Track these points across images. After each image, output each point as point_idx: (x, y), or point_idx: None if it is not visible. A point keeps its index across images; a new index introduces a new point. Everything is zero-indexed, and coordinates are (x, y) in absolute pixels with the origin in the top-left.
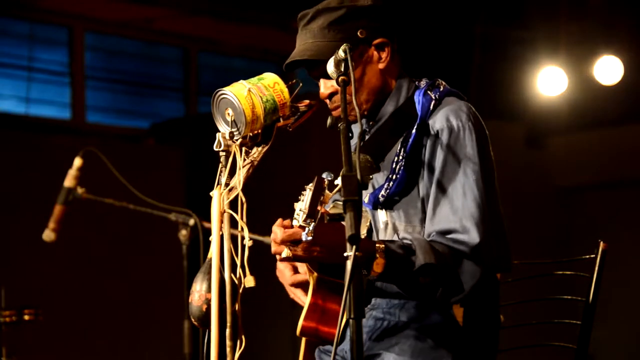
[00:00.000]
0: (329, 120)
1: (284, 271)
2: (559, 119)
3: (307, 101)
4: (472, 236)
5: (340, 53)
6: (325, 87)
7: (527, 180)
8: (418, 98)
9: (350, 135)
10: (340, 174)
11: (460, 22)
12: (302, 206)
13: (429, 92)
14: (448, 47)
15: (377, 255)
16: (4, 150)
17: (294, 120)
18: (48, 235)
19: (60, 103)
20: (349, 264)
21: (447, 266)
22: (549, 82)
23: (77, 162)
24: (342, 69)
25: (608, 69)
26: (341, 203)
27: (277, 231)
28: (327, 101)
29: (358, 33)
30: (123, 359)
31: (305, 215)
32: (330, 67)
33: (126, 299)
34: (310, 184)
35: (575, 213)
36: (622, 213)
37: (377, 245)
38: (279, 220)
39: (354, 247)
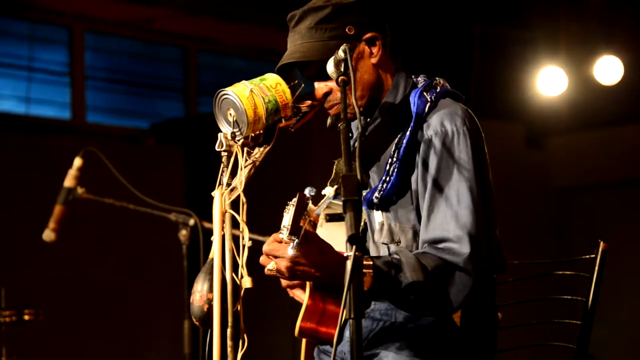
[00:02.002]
0: (329, 120)
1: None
2: (559, 119)
3: (309, 102)
4: (464, 246)
5: (340, 53)
6: (319, 86)
7: (527, 180)
8: (413, 99)
9: (351, 135)
10: (334, 168)
11: (460, 22)
12: (285, 222)
13: (425, 93)
14: (448, 47)
15: (364, 272)
16: (4, 150)
17: (296, 120)
18: (48, 235)
19: (60, 103)
20: (348, 263)
21: (436, 282)
22: (549, 82)
23: (77, 162)
24: (342, 69)
25: (608, 69)
26: (338, 203)
27: (266, 245)
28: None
29: (346, 30)
30: (123, 359)
31: (288, 232)
32: (330, 67)
33: (126, 299)
34: (293, 200)
35: (575, 213)
36: (622, 213)
37: (364, 262)
38: (273, 235)
39: (354, 247)
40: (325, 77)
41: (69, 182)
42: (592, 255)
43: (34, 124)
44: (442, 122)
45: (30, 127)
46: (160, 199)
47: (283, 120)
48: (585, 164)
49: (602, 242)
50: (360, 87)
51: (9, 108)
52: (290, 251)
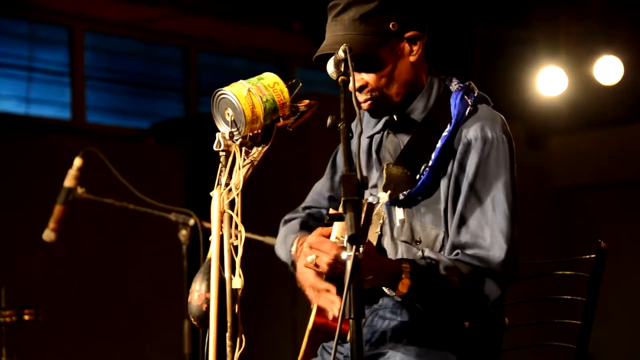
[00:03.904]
0: (329, 120)
1: (307, 273)
2: (559, 119)
3: (306, 101)
4: (498, 254)
5: (340, 53)
6: (355, 79)
7: (527, 180)
8: (455, 102)
9: (350, 135)
10: (384, 172)
11: (460, 22)
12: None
13: (465, 96)
14: (448, 47)
15: (403, 276)
16: (4, 150)
17: (293, 120)
18: (48, 235)
19: (60, 103)
20: (349, 264)
21: (471, 289)
22: (549, 82)
23: (77, 162)
24: (342, 69)
25: (608, 69)
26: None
27: (311, 237)
28: (357, 93)
29: (390, 26)
30: (123, 359)
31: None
32: (330, 67)
33: (126, 299)
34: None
35: (575, 213)
36: (622, 213)
37: (403, 265)
38: (319, 229)
39: (354, 247)
40: (362, 70)
41: (69, 182)
42: (592, 255)
43: (34, 124)
44: (483, 128)
45: (30, 127)
46: (160, 199)
47: (281, 120)
48: (585, 164)
49: (602, 242)
50: (396, 85)
51: (9, 108)
52: (344, 255)
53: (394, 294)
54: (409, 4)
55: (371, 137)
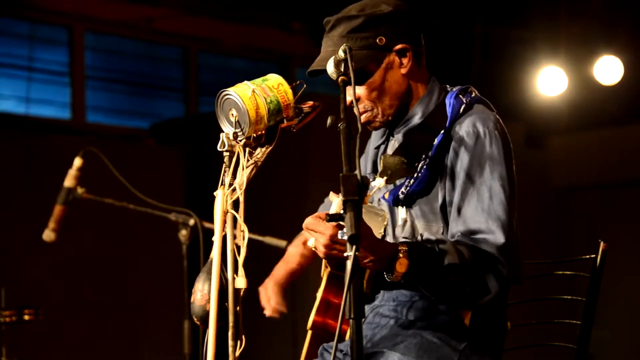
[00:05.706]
0: (328, 120)
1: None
2: (559, 119)
3: (310, 102)
4: (498, 237)
5: (340, 53)
6: (349, 94)
7: (527, 180)
8: (449, 100)
9: (351, 135)
10: (381, 162)
11: (460, 22)
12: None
13: (460, 95)
14: (448, 47)
15: (400, 256)
16: (4, 150)
17: (297, 121)
18: (48, 235)
19: (60, 103)
20: (348, 264)
21: (472, 266)
22: (549, 82)
23: (77, 162)
24: (342, 69)
25: (608, 69)
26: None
27: (308, 219)
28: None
29: (377, 40)
30: (123, 359)
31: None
32: (330, 67)
33: (126, 299)
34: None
35: (575, 213)
36: (622, 213)
37: (399, 246)
38: (316, 214)
39: (354, 247)
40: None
41: (69, 182)
42: (592, 255)
43: (34, 124)
44: (474, 124)
45: (30, 127)
46: (160, 199)
47: (285, 121)
48: (585, 164)
49: (602, 242)
50: (388, 97)
51: (9, 108)
52: (340, 235)
53: (392, 277)
54: (396, 17)
55: (377, 148)
